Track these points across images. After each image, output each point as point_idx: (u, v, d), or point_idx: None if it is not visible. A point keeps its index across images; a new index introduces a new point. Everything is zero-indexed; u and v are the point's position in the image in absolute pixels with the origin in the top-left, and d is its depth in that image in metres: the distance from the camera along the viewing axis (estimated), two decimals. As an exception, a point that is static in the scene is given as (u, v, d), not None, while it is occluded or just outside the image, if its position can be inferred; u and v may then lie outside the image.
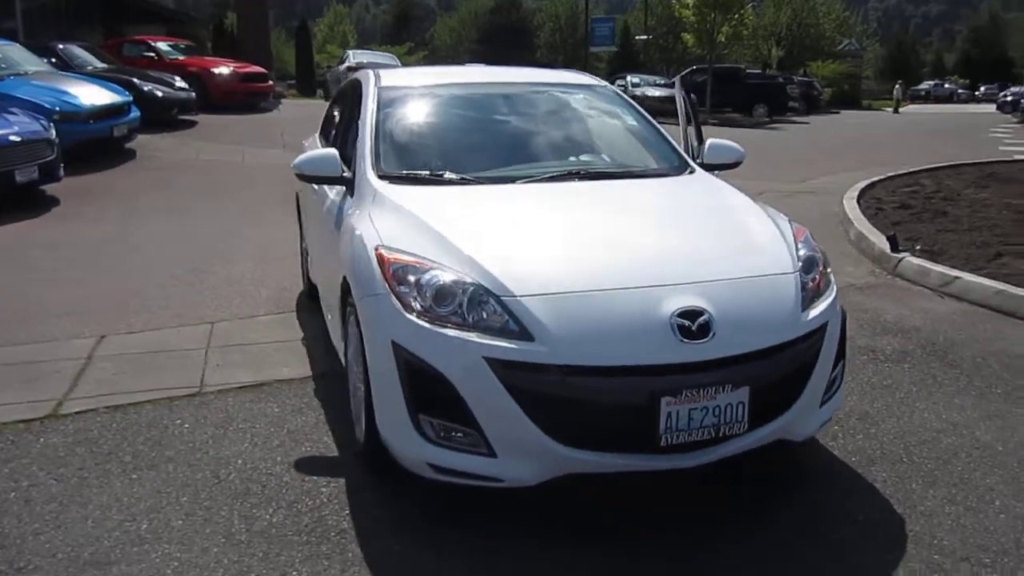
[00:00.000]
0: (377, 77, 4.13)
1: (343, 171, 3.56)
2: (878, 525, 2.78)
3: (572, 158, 3.80)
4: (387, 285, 2.70)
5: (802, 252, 3.00)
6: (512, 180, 3.45)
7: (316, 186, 4.21)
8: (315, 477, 3.08)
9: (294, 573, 2.50)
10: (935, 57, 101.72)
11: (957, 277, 5.54)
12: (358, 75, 4.48)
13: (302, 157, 3.64)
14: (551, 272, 2.65)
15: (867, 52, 60.10)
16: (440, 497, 2.86)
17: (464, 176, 3.44)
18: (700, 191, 3.56)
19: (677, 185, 3.60)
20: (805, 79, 37.09)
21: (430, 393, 2.55)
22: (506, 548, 2.61)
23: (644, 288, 2.61)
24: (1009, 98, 38.13)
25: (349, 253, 3.06)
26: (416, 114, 3.93)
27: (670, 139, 4.05)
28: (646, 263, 2.75)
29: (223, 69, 17.12)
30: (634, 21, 59.71)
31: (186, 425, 3.57)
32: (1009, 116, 30.68)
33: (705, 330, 2.52)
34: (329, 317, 3.96)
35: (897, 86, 47.09)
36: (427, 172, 3.46)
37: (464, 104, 4.04)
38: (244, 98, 17.00)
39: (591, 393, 2.48)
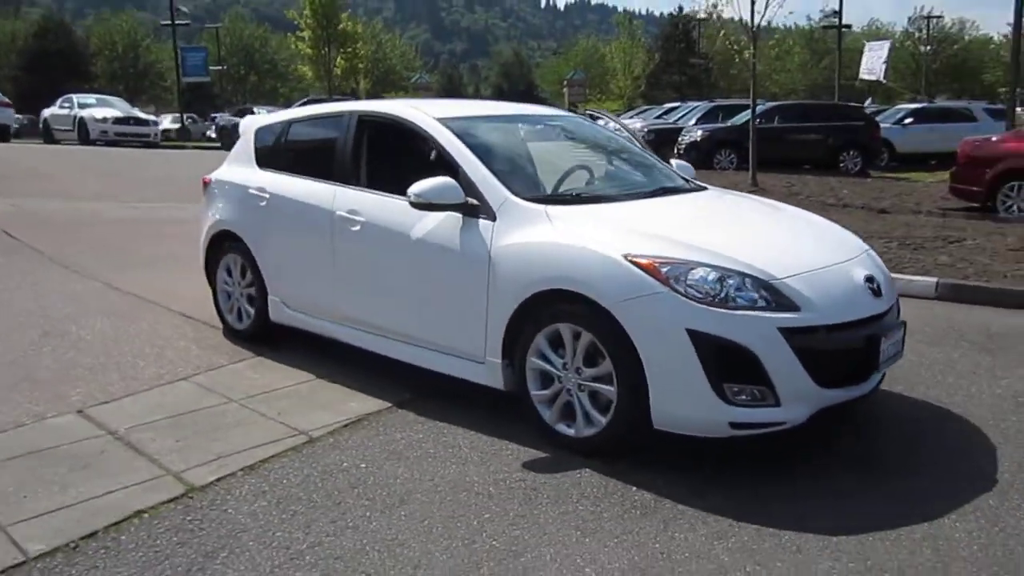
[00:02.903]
0: (419, 110, 4.30)
1: (466, 199, 3.78)
2: (975, 416, 3.96)
3: (635, 176, 4.46)
4: (664, 284, 3.18)
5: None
6: (633, 196, 4.03)
7: (360, 219, 4.22)
8: (566, 472, 3.35)
9: (679, 534, 2.88)
10: (475, 89, 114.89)
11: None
12: (378, 107, 4.54)
13: (423, 187, 3.73)
14: (780, 258, 3.38)
15: (432, 84, 65.78)
16: (691, 458, 3.40)
17: (596, 195, 3.93)
18: (752, 199, 4.50)
19: (730, 195, 4.50)
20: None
21: (733, 364, 3.11)
22: (794, 481, 3.29)
23: (837, 264, 3.49)
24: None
25: (579, 266, 3.36)
26: (493, 143, 4.19)
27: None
28: (822, 248, 3.63)
29: None
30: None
31: (362, 464, 3.48)
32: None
33: (880, 289, 3.50)
34: (414, 342, 4.08)
35: None
36: (571, 193, 3.86)
37: (520, 133, 4.43)
38: None
39: (841, 343, 3.29)
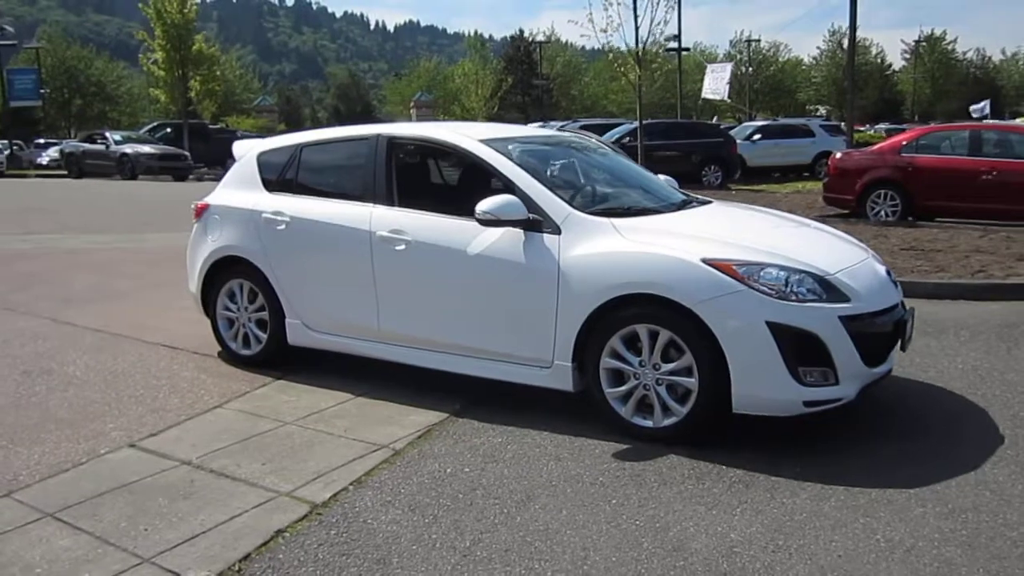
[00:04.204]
0: (461, 133, 4.53)
1: (529, 214, 4.05)
2: (955, 387, 4.63)
3: (654, 190, 4.87)
4: (742, 283, 3.59)
5: (845, 236, 4.75)
6: (669, 209, 4.44)
7: (406, 238, 4.38)
8: (656, 459, 3.68)
9: (786, 500, 3.28)
10: (311, 112, 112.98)
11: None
12: (413, 131, 4.72)
13: (490, 204, 3.97)
14: (823, 257, 3.88)
15: (273, 106, 64.16)
16: (756, 439, 3.83)
17: (643, 208, 4.32)
18: (760, 209, 5.01)
19: (740, 207, 4.99)
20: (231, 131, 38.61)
21: (806, 349, 3.57)
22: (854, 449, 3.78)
23: (863, 261, 4.06)
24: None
25: (661, 271, 3.71)
26: (538, 162, 4.47)
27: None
28: (843, 248, 4.20)
29: None
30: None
31: (465, 469, 3.65)
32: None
33: (896, 281, 4.09)
34: (478, 354, 4.27)
35: None
36: (622, 207, 4.23)
37: (549, 150, 4.74)
38: None
39: (881, 327, 3.83)
